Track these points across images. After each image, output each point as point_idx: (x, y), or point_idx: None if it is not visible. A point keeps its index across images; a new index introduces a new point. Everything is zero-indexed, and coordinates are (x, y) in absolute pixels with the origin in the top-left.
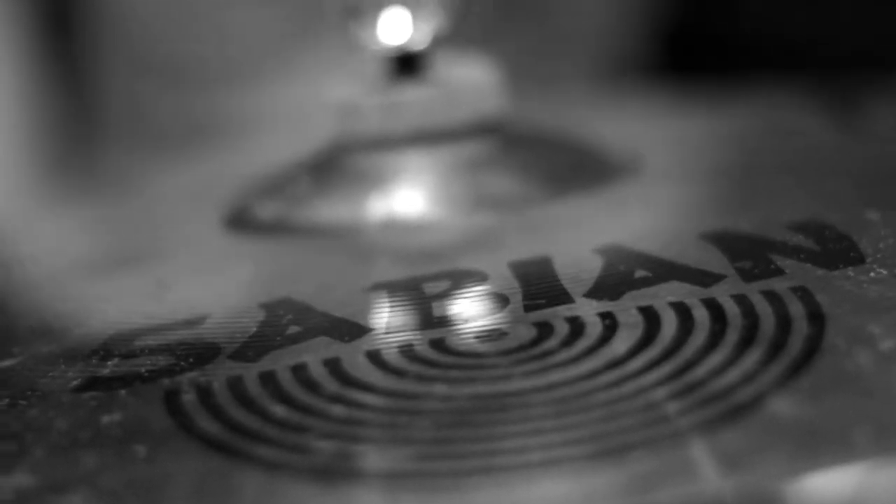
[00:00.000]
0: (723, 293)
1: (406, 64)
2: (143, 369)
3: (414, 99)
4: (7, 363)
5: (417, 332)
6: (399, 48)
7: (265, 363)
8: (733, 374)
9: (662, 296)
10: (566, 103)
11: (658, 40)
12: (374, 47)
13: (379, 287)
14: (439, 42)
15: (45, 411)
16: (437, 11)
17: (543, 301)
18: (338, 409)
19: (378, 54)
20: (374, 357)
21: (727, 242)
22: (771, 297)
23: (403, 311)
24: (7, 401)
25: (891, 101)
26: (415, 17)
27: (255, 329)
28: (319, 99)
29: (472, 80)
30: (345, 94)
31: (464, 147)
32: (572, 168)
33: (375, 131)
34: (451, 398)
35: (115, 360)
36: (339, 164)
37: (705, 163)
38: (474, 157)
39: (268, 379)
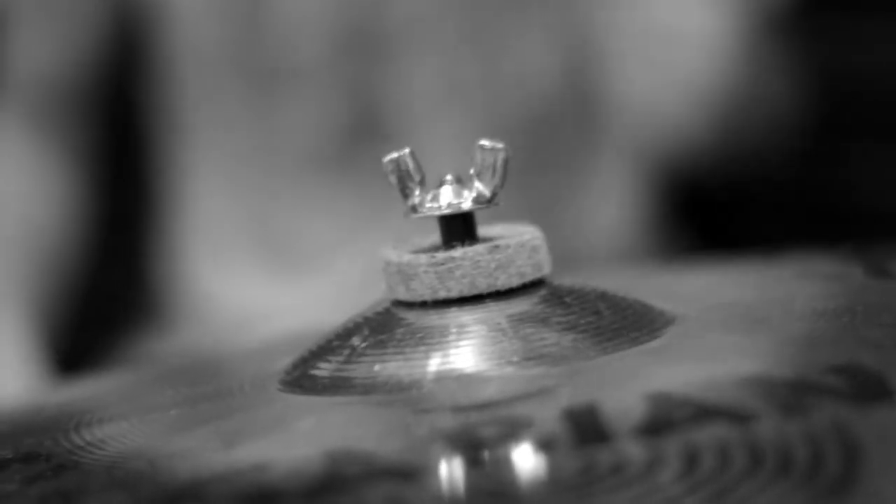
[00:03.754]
0: (759, 430)
1: (459, 226)
2: None
3: (466, 259)
4: None
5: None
6: (452, 212)
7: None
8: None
9: (704, 433)
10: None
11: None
12: (427, 211)
13: (434, 434)
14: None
15: None
16: (489, 177)
17: (591, 440)
18: None
19: (431, 217)
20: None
21: (764, 385)
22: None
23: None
24: None
25: None
26: (467, 181)
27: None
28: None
29: (521, 241)
30: (399, 255)
31: (514, 304)
32: (618, 322)
33: (429, 291)
34: None
35: None
36: (394, 323)
37: (743, 312)
38: (525, 314)
39: None
